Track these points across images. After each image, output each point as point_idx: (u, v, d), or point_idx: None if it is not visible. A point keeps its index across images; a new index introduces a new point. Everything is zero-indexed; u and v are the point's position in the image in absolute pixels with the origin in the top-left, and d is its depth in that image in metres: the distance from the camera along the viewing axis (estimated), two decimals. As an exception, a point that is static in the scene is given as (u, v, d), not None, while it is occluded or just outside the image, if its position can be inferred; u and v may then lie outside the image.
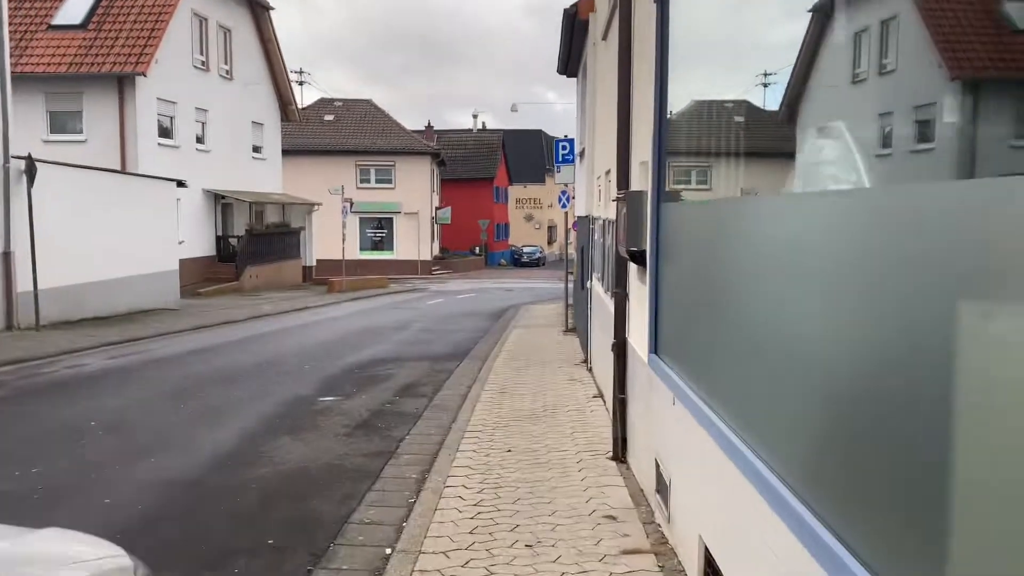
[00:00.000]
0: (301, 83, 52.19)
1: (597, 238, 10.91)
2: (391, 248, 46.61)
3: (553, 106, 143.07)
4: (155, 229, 22.21)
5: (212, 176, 30.43)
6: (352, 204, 30.58)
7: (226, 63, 31.83)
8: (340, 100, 50.18)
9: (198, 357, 13.15)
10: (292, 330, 17.90)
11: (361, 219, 46.54)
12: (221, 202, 31.36)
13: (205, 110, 30.11)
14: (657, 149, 4.98)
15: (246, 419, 8.31)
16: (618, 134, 6.14)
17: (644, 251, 5.30)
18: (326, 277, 33.67)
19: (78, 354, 13.42)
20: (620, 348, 6.18)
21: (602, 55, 10.16)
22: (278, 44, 35.32)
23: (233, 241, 31.21)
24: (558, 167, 15.50)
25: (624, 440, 6.22)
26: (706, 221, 3.96)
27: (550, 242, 73.67)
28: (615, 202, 6.11)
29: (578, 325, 15.02)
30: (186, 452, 7.07)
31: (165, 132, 27.90)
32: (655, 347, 5.04)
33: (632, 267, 5.94)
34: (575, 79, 16.51)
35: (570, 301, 18.08)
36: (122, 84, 25.81)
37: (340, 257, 40.81)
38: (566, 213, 17.58)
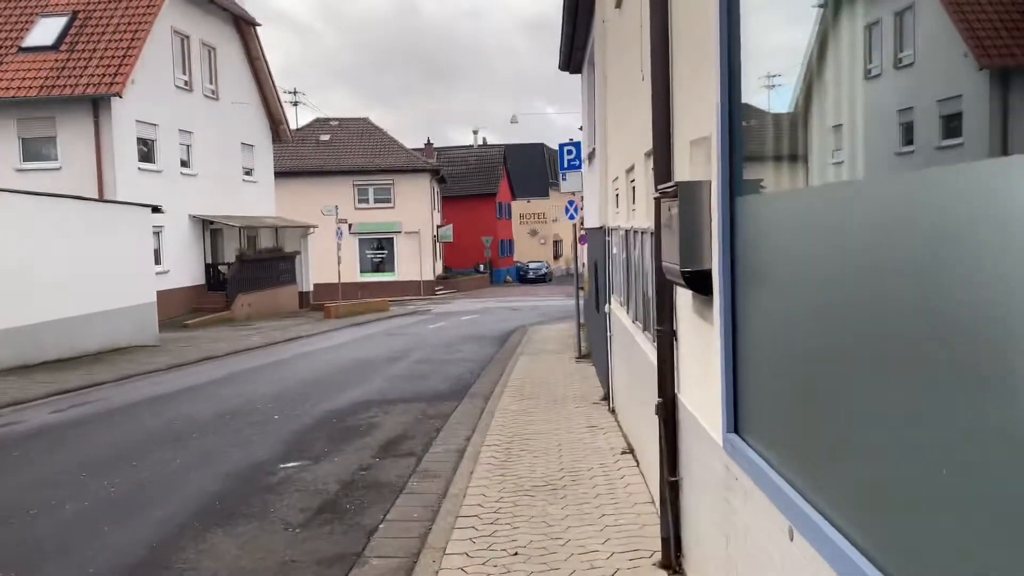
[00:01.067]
0: (295, 103, 50.93)
1: (616, 252, 9.13)
2: (392, 269, 44.92)
3: (554, 120, 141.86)
4: (129, 259, 20.49)
5: (199, 201, 28.83)
6: (349, 225, 28.90)
7: (211, 82, 30.31)
8: (336, 119, 48.70)
9: (154, 407, 11.37)
10: (276, 366, 16.13)
11: (360, 240, 44.91)
12: (210, 228, 29.74)
13: (190, 132, 28.54)
14: (726, 114, 3.17)
15: (173, 504, 6.48)
16: (653, 104, 4.35)
17: (707, 272, 3.49)
18: (323, 302, 31.94)
19: (20, 408, 11.66)
20: (668, 411, 4.36)
21: (614, 31, 8.43)
22: (266, 62, 33.83)
23: (223, 268, 29.54)
24: (564, 175, 13.75)
25: (678, 541, 4.38)
26: (849, 219, 2.15)
27: (556, 257, 71.92)
28: (656, 200, 4.30)
29: (594, 353, 13.20)
30: (64, 568, 5.23)
31: (146, 156, 26.32)
32: (735, 422, 3.22)
33: (683, 295, 4.14)
34: (579, 76, 14.81)
35: (582, 320, 16.26)
36: (97, 107, 24.22)
37: (333, 280, 39.24)
38: (574, 225, 15.82)
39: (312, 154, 45.43)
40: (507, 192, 63.29)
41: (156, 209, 21.93)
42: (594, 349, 13.20)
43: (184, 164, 28.43)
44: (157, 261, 26.59)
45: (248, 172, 32.98)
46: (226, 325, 26.23)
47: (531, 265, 61.71)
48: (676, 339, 4.42)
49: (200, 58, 29.34)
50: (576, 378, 12.53)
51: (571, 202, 14.25)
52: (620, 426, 8.53)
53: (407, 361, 15.79)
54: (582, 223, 15.33)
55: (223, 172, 30.53)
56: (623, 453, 7.44)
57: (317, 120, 49.04)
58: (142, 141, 26.03)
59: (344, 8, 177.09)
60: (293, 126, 49.36)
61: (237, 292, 28.73)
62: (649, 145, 4.84)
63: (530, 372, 13.46)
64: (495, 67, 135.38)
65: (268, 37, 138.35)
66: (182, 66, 28.38)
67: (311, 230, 34.84)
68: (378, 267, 45.06)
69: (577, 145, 13.76)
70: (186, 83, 28.54)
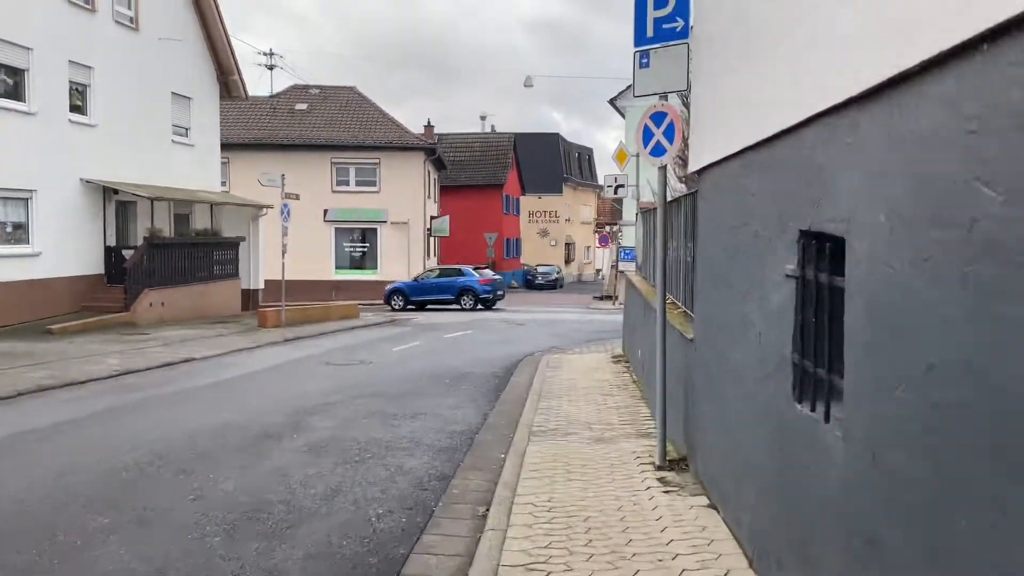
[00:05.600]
0: (271, 67, 43.39)
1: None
2: (375, 266, 37.30)
3: (559, 123, 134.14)
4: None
5: (100, 162, 21.28)
6: (295, 197, 21.23)
7: (128, 6, 22.74)
8: (317, 87, 41.17)
9: None
10: (61, 432, 8.53)
11: (337, 230, 37.34)
12: (114, 199, 22.16)
13: (88, 67, 20.98)
14: None
15: None
16: None
17: None
18: (266, 306, 24.32)
19: None
20: None
21: None
22: (214, -8, 26.24)
23: (129, 254, 21.92)
24: (644, 54, 6.13)
25: None
26: None
27: (568, 261, 64.27)
28: None
29: (706, 456, 5.51)
30: None
31: (9, 91, 18.78)
32: None
33: None
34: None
35: (634, 351, 8.63)
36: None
37: (298, 277, 31.61)
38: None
39: (284, 124, 37.88)
40: (516, 185, 55.72)
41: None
42: (701, 433, 5.47)
43: (77, 110, 20.86)
44: (20, 240, 19.04)
45: (181, 131, 25.39)
46: (120, 331, 18.63)
47: (540, 269, 54.12)
48: None
49: (111, -30, 21.79)
50: (683, 532, 4.95)
51: (647, 128, 6.43)
52: None
53: (301, 440, 8.08)
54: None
55: (141, 127, 22.96)
56: None
57: (294, 87, 41.52)
58: (3, 69, 18.51)
59: (345, 2, 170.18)
60: (266, 92, 41.95)
61: (143, 287, 21.13)
62: None
63: (560, 501, 5.82)
64: (499, 68, 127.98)
65: (262, 26, 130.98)
66: (81, -24, 20.85)
67: (263, 211, 27.21)
68: (357, 263, 37.43)
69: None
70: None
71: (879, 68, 2.58)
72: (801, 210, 3.55)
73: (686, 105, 7.88)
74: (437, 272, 31.62)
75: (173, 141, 24.90)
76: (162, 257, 22.21)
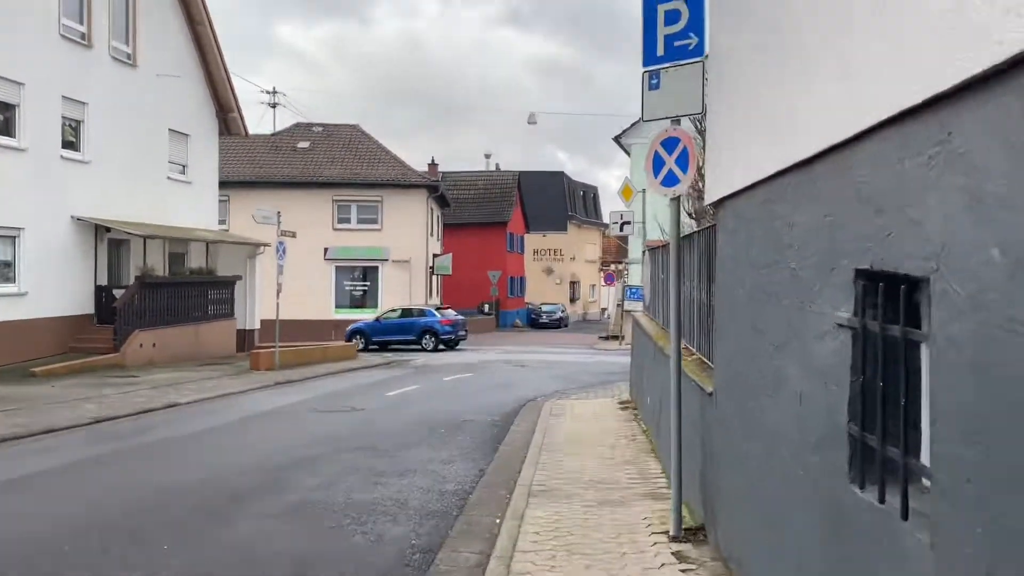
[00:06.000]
0: (274, 105, 43.28)
1: None
2: (375, 304, 36.61)
3: (564, 161, 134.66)
4: None
5: (93, 199, 20.78)
6: (289, 235, 20.63)
7: (126, 42, 22.44)
8: (319, 125, 40.93)
9: None
10: (8, 492, 7.77)
11: (337, 268, 36.78)
12: (106, 237, 21.61)
13: (82, 103, 20.59)
14: None
15: None
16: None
17: None
18: (260, 348, 23.61)
19: None
20: None
21: None
22: (213, 29, 26.01)
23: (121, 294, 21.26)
24: (654, 74, 5.47)
25: None
26: None
27: (572, 300, 63.57)
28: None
29: (729, 529, 4.69)
30: None
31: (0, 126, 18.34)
32: None
33: None
34: None
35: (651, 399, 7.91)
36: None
37: (297, 316, 30.90)
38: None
39: (285, 162, 37.54)
40: (520, 223, 55.27)
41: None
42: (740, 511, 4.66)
43: (69, 146, 20.41)
44: (7, 279, 18.43)
45: (178, 168, 24.93)
46: (101, 375, 17.90)
47: (544, 308, 53.38)
48: None
49: (109, 5, 21.51)
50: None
51: (656, 154, 5.76)
52: None
53: (274, 504, 7.26)
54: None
55: (136, 164, 22.50)
56: None
57: (297, 125, 41.30)
58: (-8, 103, 18.10)
59: (351, 44, 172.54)
60: (269, 130, 41.76)
61: (133, 328, 20.45)
62: None
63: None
64: (504, 108, 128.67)
65: (272, 69, 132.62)
66: (78, 11, 20.55)
67: (260, 249, 26.61)
68: (358, 302, 36.76)
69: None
70: (82, 36, 20.67)
71: (990, 47, 1.87)
72: (859, 244, 2.83)
73: (700, 132, 7.22)
74: (399, 312, 31.02)
75: (169, 178, 24.44)
76: (154, 297, 21.57)
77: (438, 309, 31.48)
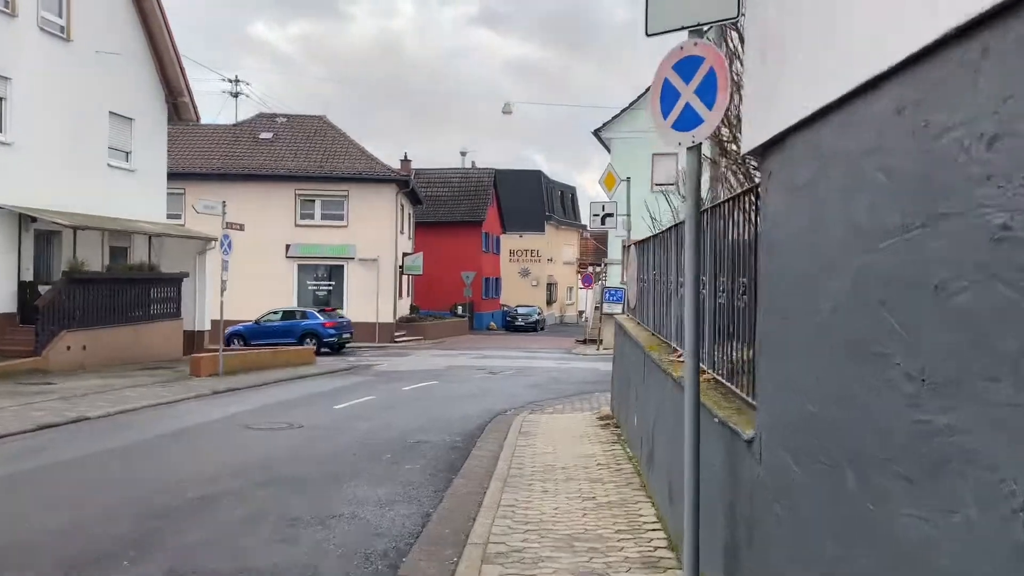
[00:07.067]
0: (236, 94, 41.08)
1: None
2: (340, 305, 34.55)
3: (539, 163, 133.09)
4: None
5: (18, 186, 18.62)
6: (234, 226, 18.65)
7: (59, 13, 20.32)
8: (284, 116, 38.82)
9: None
10: None
11: (300, 267, 34.72)
12: (32, 227, 19.47)
13: (5, 78, 18.48)
14: None
15: None
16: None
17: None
18: (203, 352, 21.58)
19: None
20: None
21: None
22: (161, 6, 23.92)
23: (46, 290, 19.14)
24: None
25: None
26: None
27: (549, 302, 61.79)
28: None
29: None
30: None
31: (-98, 99, 16.20)
32: None
33: None
34: None
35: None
36: None
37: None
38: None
39: (247, 154, 35.41)
40: (496, 223, 53.42)
41: None
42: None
43: (-11, 125, 18.29)
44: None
45: (120, 155, 22.82)
46: (13, 382, 15.81)
47: (520, 310, 51.59)
48: None
49: (38, -28, 19.40)
50: None
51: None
52: None
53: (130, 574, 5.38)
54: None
55: (71, 149, 20.37)
56: None
57: (261, 115, 39.15)
58: None
59: (327, 44, 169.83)
60: (231, 120, 39.58)
61: (60, 328, 18.36)
62: None
63: None
64: (482, 112, 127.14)
65: (246, 66, 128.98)
66: (-2, -26, 18.43)
67: (211, 244, 24.51)
68: (323, 302, 34.67)
69: None
70: (4, 2, 18.55)
71: None
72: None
73: (733, 50, 5.27)
74: (280, 314, 29.11)
75: (110, 165, 22.30)
76: (86, 294, 19.47)
77: (322, 311, 29.61)
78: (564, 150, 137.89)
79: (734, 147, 4.63)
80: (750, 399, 3.87)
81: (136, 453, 9.59)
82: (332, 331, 28.74)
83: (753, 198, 3.57)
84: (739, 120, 4.39)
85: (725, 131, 4.71)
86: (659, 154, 27.28)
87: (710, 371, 5.12)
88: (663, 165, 26.38)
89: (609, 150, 31.59)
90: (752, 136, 3.41)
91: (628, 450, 9.46)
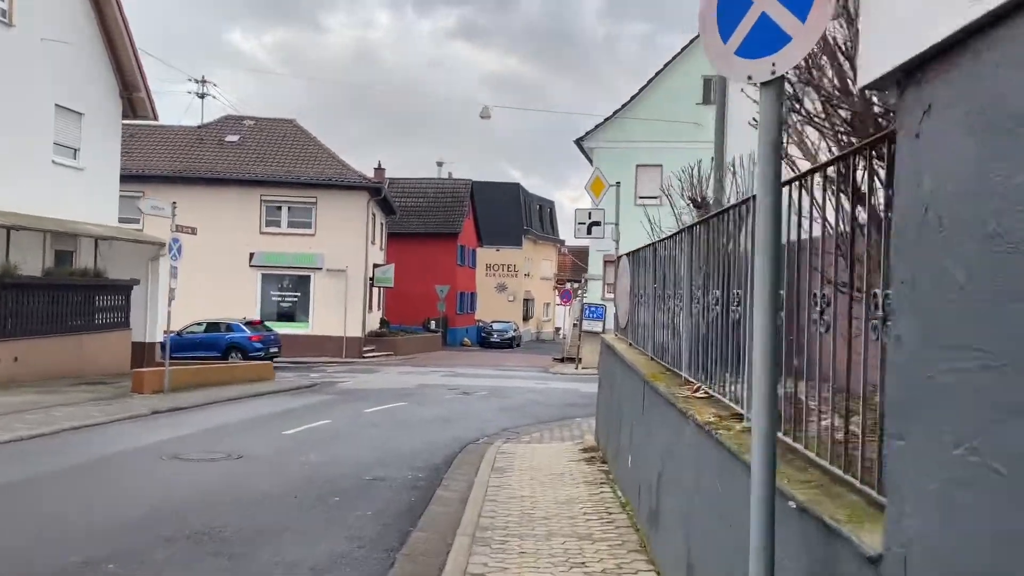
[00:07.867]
0: (202, 95, 39.33)
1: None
2: (305, 319, 32.91)
3: (513, 176, 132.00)
4: None
5: (-54, 180, 16.92)
6: (189, 230, 17.07)
7: (0, -3, 18.69)
8: (252, 118, 37.19)
9: None
10: None
11: (264, 276, 33.01)
12: (-38, 227, 17.73)
13: (-67, 61, 16.81)
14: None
15: None
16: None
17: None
18: (147, 368, 19.88)
19: None
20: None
21: None
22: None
23: (-25, 296, 17.38)
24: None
25: None
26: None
27: (526, 318, 60.37)
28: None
29: None
30: None
31: None
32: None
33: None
34: None
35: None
36: None
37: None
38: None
39: (211, 156, 33.72)
40: (472, 235, 52.01)
41: None
42: None
43: (-87, 112, 16.59)
44: None
45: (67, 152, 21.12)
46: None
47: (495, 326, 50.14)
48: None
49: (-25, -51, 17.79)
50: None
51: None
52: None
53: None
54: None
55: (9, 143, 18.67)
56: None
57: (228, 117, 37.48)
58: None
59: (303, 53, 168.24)
60: (196, 122, 37.85)
61: (-13, 338, 16.61)
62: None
63: None
64: (459, 124, 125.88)
65: (223, 78, 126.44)
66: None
67: (163, 250, 22.79)
68: (286, 315, 32.98)
69: None
70: (-66, -20, 16.92)
71: None
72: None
73: None
74: (204, 326, 27.45)
75: (55, 163, 20.60)
76: (19, 301, 17.74)
77: (248, 324, 27.92)
78: (542, 165, 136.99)
79: (827, 86, 3.24)
80: (851, 478, 2.48)
81: (33, 490, 7.99)
82: (258, 344, 26.99)
83: (881, 151, 2.18)
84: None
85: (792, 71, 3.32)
86: (644, 165, 26.01)
87: (738, 408, 3.71)
88: (648, 177, 25.11)
89: (592, 160, 30.36)
90: (883, 56, 2.02)
91: (619, 493, 8.05)
